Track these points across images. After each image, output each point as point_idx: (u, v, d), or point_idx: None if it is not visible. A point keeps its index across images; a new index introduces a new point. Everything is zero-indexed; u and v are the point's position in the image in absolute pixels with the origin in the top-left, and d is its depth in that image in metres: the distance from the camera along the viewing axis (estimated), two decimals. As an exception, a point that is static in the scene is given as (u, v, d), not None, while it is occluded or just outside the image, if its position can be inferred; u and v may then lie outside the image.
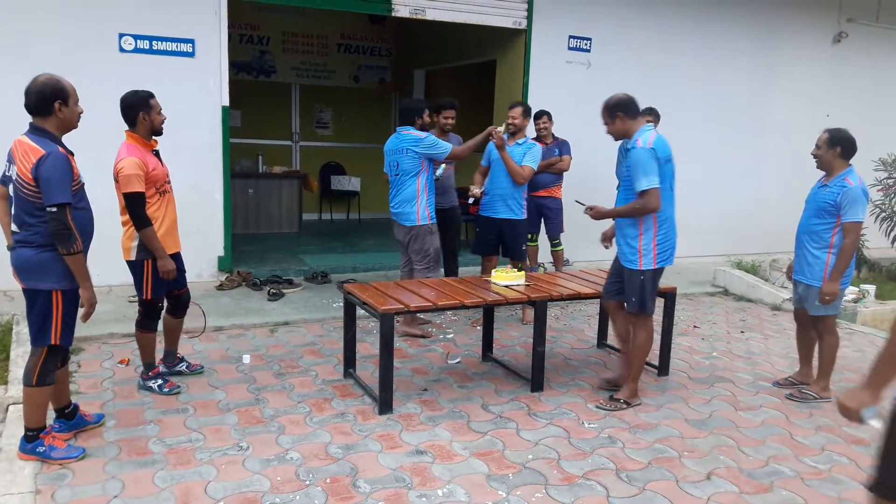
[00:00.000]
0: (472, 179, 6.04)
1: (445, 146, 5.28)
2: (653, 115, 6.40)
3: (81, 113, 3.30)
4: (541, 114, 6.74)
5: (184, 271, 4.23)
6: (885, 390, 2.04)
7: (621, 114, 4.03)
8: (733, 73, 8.81)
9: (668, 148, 4.01)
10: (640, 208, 3.96)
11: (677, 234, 4.19)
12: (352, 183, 10.44)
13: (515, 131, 5.74)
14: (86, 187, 3.36)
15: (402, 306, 4.00)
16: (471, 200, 8.25)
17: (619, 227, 4.22)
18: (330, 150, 10.86)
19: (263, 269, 6.98)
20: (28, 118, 3.19)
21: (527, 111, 5.91)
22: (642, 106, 4.29)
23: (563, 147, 6.74)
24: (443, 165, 5.86)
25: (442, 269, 5.63)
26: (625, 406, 4.21)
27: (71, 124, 3.26)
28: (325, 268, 7.05)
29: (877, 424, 2.12)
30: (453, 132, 6.19)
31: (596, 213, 4.25)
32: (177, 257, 4.12)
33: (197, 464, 3.32)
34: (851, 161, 4.33)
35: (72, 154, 3.22)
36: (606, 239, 4.57)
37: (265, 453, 3.45)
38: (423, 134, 5.29)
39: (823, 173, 4.41)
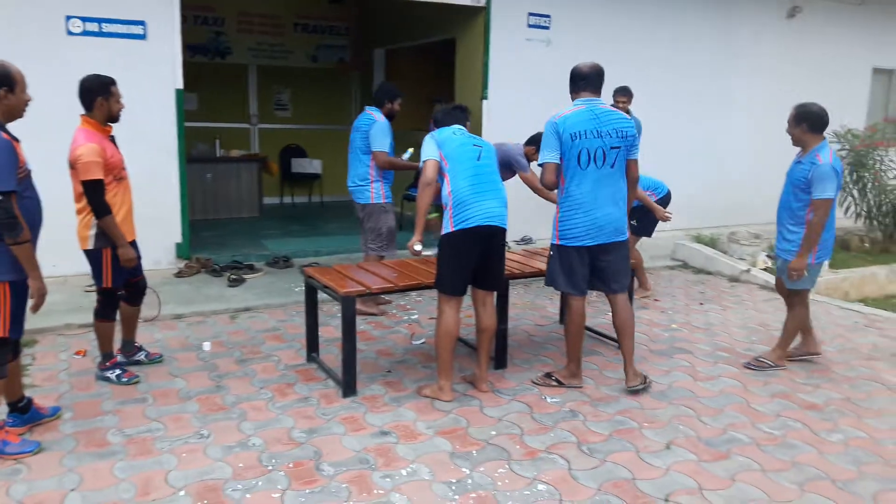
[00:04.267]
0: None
1: (381, 143, 5.26)
2: (626, 94, 6.45)
3: (29, 101, 3.19)
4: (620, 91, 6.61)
5: (140, 258, 4.15)
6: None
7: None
8: (692, 49, 8.87)
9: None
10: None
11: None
12: (313, 165, 10.32)
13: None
14: (36, 175, 3.26)
15: (364, 288, 3.98)
16: None
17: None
18: (290, 133, 10.70)
19: (223, 254, 6.88)
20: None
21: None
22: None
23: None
24: (410, 150, 5.83)
25: (396, 249, 5.61)
26: (555, 384, 4.19)
27: (17, 112, 3.15)
28: (286, 252, 6.98)
29: (418, 248, 3.89)
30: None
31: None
32: (133, 245, 4.04)
33: (157, 453, 3.28)
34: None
35: (17, 141, 3.12)
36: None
37: (227, 440, 3.42)
38: (379, 118, 5.32)
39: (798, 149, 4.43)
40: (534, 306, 5.98)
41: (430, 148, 3.93)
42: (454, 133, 3.99)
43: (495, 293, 4.15)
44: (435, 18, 8.29)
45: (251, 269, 6.53)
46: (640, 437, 3.60)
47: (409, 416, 3.74)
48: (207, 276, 6.37)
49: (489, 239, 3.88)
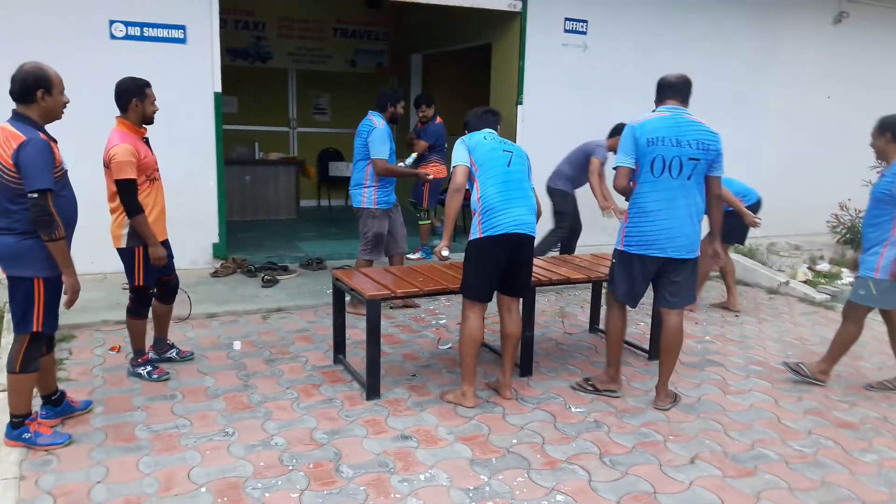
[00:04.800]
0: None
1: (380, 151, 5.28)
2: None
3: (67, 103, 3.28)
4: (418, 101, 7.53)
5: (172, 257, 4.23)
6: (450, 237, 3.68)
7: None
8: (732, 57, 8.70)
9: None
10: None
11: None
12: (350, 169, 10.37)
13: None
14: (75, 176, 3.36)
15: (389, 292, 4.00)
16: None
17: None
18: (328, 136, 10.83)
19: (259, 255, 6.99)
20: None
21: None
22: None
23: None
24: (413, 155, 5.91)
25: (384, 255, 5.69)
26: (591, 389, 4.18)
27: (54, 114, 3.24)
28: (320, 254, 7.05)
29: (445, 253, 4.00)
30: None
31: None
32: (165, 244, 4.12)
33: (182, 449, 3.34)
34: None
35: (55, 141, 3.21)
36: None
37: (250, 439, 3.47)
38: (380, 124, 5.35)
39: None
40: (564, 314, 5.93)
41: (461, 153, 3.90)
42: (485, 138, 3.98)
43: (521, 300, 4.10)
44: (471, 23, 8.30)
45: (285, 270, 6.61)
46: (664, 450, 3.54)
47: (431, 421, 3.74)
48: (243, 277, 6.47)
49: (517, 247, 3.82)
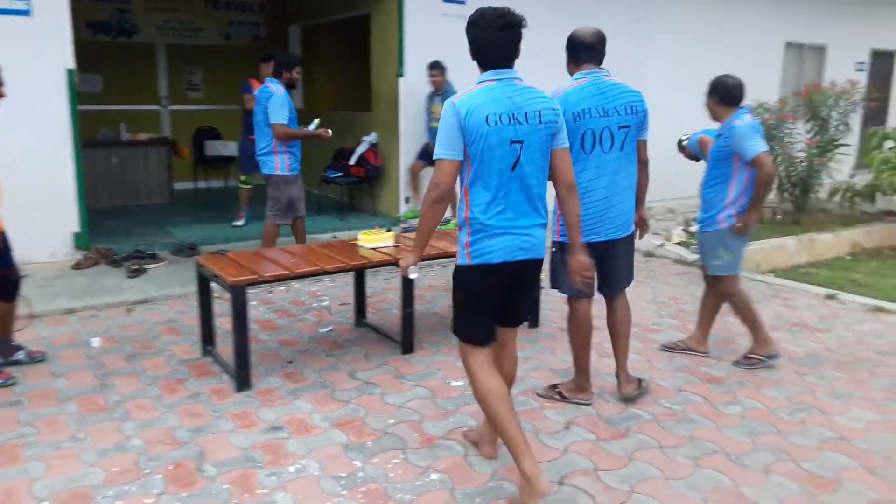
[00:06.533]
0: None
1: (278, 116, 5.37)
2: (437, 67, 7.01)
3: None
4: None
5: (10, 250, 3.84)
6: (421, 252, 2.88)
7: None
8: (611, 25, 8.83)
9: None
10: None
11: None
12: (227, 148, 9.91)
13: None
14: None
15: (255, 276, 3.79)
16: (352, 161, 8.08)
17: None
18: (203, 114, 10.28)
19: (127, 243, 6.53)
20: None
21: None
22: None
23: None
24: (316, 120, 5.83)
25: (295, 218, 5.75)
26: (558, 398, 3.76)
27: None
28: (194, 239, 6.67)
29: (414, 275, 2.99)
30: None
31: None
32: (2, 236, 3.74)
33: (24, 461, 3.04)
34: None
35: None
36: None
37: (104, 443, 3.20)
38: (277, 90, 5.38)
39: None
40: (448, 288, 5.88)
41: (451, 133, 2.64)
42: (492, 108, 2.64)
43: (517, 328, 3.09)
44: (348, -7, 8.04)
45: (154, 258, 6.22)
46: (540, 417, 3.55)
47: (306, 409, 3.59)
48: (107, 267, 6.03)
49: (519, 274, 2.85)
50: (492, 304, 2.84)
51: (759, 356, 4.27)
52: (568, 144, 2.88)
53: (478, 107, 2.62)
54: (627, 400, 3.75)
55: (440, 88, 7.20)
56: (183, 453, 3.13)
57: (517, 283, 2.86)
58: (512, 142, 2.66)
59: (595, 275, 3.40)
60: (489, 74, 2.73)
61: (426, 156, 7.42)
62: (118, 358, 4.20)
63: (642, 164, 3.66)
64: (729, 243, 4.13)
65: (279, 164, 5.50)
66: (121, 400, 3.65)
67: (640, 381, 3.86)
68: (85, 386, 3.81)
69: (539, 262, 2.90)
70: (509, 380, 3.04)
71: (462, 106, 2.63)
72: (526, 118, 2.68)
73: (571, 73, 3.57)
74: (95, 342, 4.42)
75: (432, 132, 7.26)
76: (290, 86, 5.52)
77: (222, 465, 3.04)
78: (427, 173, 7.53)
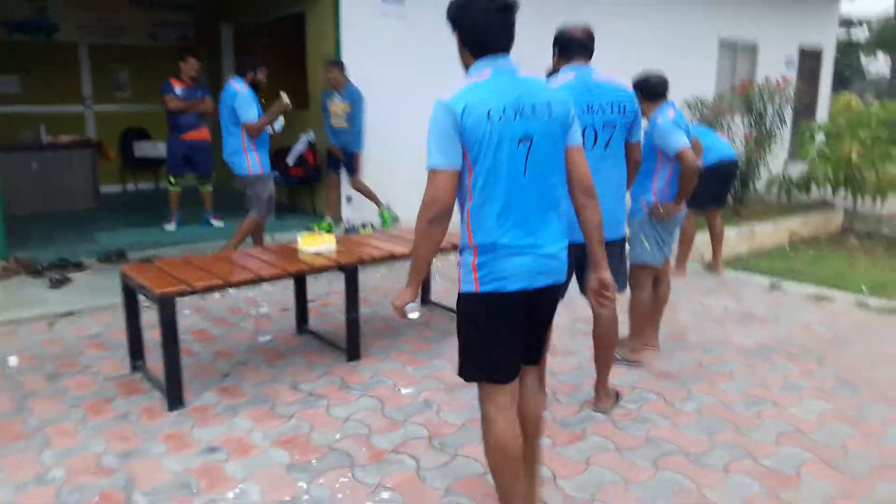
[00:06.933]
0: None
1: (248, 115, 5.44)
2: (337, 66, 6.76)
3: None
4: None
5: None
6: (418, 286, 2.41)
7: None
8: (546, 26, 8.77)
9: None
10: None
11: None
12: (157, 149, 9.39)
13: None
14: None
15: (184, 286, 3.53)
16: (290, 161, 7.76)
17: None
18: (130, 115, 9.79)
19: (49, 252, 6.10)
20: None
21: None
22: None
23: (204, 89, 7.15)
24: (281, 121, 5.66)
25: (272, 216, 5.85)
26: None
27: None
28: (122, 245, 6.29)
29: (413, 315, 2.54)
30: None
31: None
32: None
33: (-75, 502, 2.73)
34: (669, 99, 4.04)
35: None
36: None
37: (21, 476, 2.90)
38: (242, 88, 5.46)
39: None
40: (396, 290, 5.69)
41: (444, 138, 2.20)
42: (493, 102, 2.21)
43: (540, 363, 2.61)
44: (282, -11, 7.74)
45: (79, 267, 5.83)
46: (495, 425, 3.40)
47: (244, 427, 3.35)
48: (27, 278, 5.62)
49: (537, 304, 2.38)
50: (509, 336, 2.34)
51: (619, 355, 4.04)
52: (581, 141, 2.43)
53: (476, 102, 2.18)
54: (604, 413, 3.56)
55: (339, 87, 6.78)
56: (110, 482, 2.86)
57: (534, 313, 2.39)
58: (520, 140, 2.22)
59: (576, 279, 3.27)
60: (485, 63, 2.27)
61: (335, 163, 7.04)
62: (38, 377, 3.87)
63: (633, 166, 3.45)
64: (648, 229, 3.99)
65: (251, 163, 5.55)
66: (40, 425, 3.34)
67: (617, 394, 3.69)
68: (-1, 411, 3.48)
69: (560, 287, 2.47)
70: (533, 423, 2.55)
71: (457, 103, 2.18)
72: (533, 111, 2.24)
73: (557, 69, 3.39)
74: (12, 361, 4.07)
75: (334, 132, 6.90)
76: (254, 85, 5.60)
77: (154, 493, 2.79)
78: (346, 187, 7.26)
